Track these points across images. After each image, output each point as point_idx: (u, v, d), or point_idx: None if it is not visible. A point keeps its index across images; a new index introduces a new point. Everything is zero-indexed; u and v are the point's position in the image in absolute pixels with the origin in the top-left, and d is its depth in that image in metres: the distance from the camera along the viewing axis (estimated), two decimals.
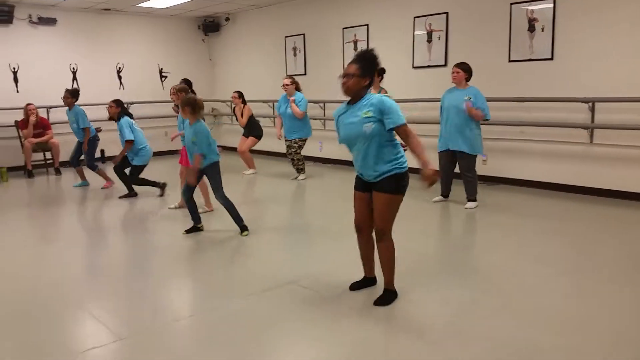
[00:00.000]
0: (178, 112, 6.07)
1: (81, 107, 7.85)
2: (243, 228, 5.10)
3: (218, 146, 5.20)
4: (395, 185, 3.28)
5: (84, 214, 6.44)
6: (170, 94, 6.31)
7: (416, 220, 5.41)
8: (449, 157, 6.00)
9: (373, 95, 3.29)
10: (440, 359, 2.76)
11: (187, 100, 5.04)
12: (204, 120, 5.15)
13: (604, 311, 3.28)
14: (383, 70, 6.37)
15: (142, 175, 6.96)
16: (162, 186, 6.95)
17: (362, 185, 3.43)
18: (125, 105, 7.26)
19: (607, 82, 6.08)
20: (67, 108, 7.82)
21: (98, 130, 8.06)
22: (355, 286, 3.66)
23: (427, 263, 4.24)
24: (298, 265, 4.27)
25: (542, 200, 6.26)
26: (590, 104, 6.21)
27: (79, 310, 3.48)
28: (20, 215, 6.36)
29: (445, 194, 6.26)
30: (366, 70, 3.23)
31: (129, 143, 6.79)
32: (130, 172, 6.92)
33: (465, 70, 5.82)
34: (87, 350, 2.93)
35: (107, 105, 7.07)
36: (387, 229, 3.37)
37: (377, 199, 3.32)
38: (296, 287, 3.76)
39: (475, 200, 5.98)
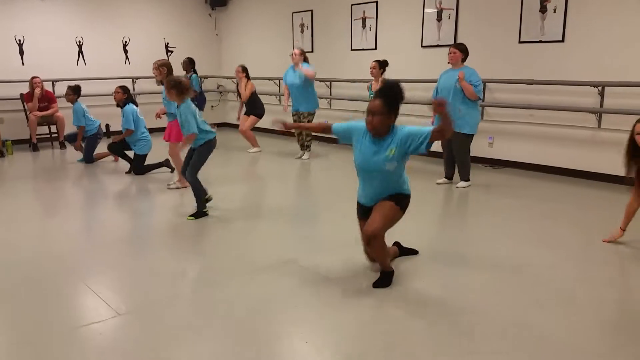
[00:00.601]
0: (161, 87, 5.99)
1: (89, 87, 7.95)
2: (199, 214, 4.94)
3: (217, 124, 5.17)
4: (399, 199, 3.35)
5: (88, 188, 6.45)
6: (153, 69, 6.15)
7: (418, 202, 5.37)
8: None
9: (396, 130, 3.25)
10: (440, 339, 2.76)
11: (173, 82, 4.89)
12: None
13: (609, 296, 3.26)
14: (386, 63, 6.84)
15: (146, 162, 7.03)
16: (166, 164, 6.97)
17: (366, 213, 3.43)
18: (131, 93, 7.30)
19: (618, 66, 5.97)
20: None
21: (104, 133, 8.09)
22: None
23: (425, 244, 4.22)
24: (298, 244, 4.27)
25: (547, 185, 6.20)
26: (599, 88, 6.11)
27: (78, 284, 3.50)
28: (24, 188, 6.38)
29: (449, 176, 6.23)
30: (391, 106, 3.19)
31: (128, 132, 6.93)
32: (135, 161, 6.99)
33: (462, 50, 5.82)
34: (86, 325, 2.95)
35: (114, 92, 7.12)
36: (380, 234, 3.27)
37: (380, 205, 3.32)
38: (296, 266, 3.76)
39: (468, 180, 6.04)
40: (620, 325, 2.95)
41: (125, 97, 7.04)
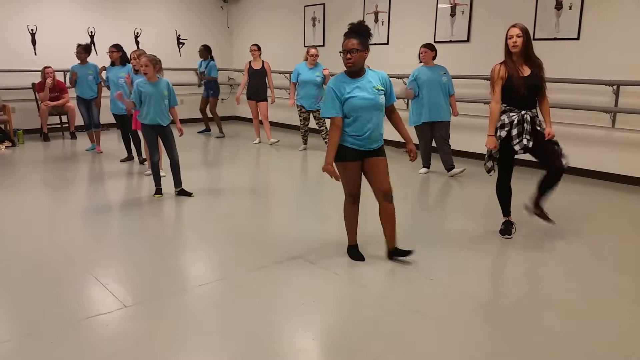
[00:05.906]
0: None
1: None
2: (180, 191, 5.46)
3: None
4: (384, 151, 3.66)
5: (97, 179, 6.46)
6: (131, 59, 6.18)
7: (426, 195, 5.33)
8: (428, 129, 6.45)
9: (372, 69, 3.59)
10: (447, 340, 2.73)
11: (157, 58, 5.27)
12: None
13: (604, 295, 3.22)
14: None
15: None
16: (129, 157, 7.18)
17: (357, 155, 3.54)
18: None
19: (634, 65, 5.87)
20: (78, 63, 7.87)
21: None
22: (361, 257, 3.80)
23: (431, 240, 4.18)
24: (308, 241, 4.23)
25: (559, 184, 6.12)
26: (614, 86, 6.02)
27: (86, 276, 3.50)
28: (34, 178, 6.40)
29: (428, 165, 6.65)
30: (365, 43, 3.46)
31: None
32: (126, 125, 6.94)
33: (431, 49, 6.38)
34: (92, 316, 2.95)
35: (108, 52, 7.00)
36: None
37: (380, 163, 3.58)
38: (304, 262, 3.74)
39: (454, 166, 6.43)
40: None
41: (120, 55, 6.93)
